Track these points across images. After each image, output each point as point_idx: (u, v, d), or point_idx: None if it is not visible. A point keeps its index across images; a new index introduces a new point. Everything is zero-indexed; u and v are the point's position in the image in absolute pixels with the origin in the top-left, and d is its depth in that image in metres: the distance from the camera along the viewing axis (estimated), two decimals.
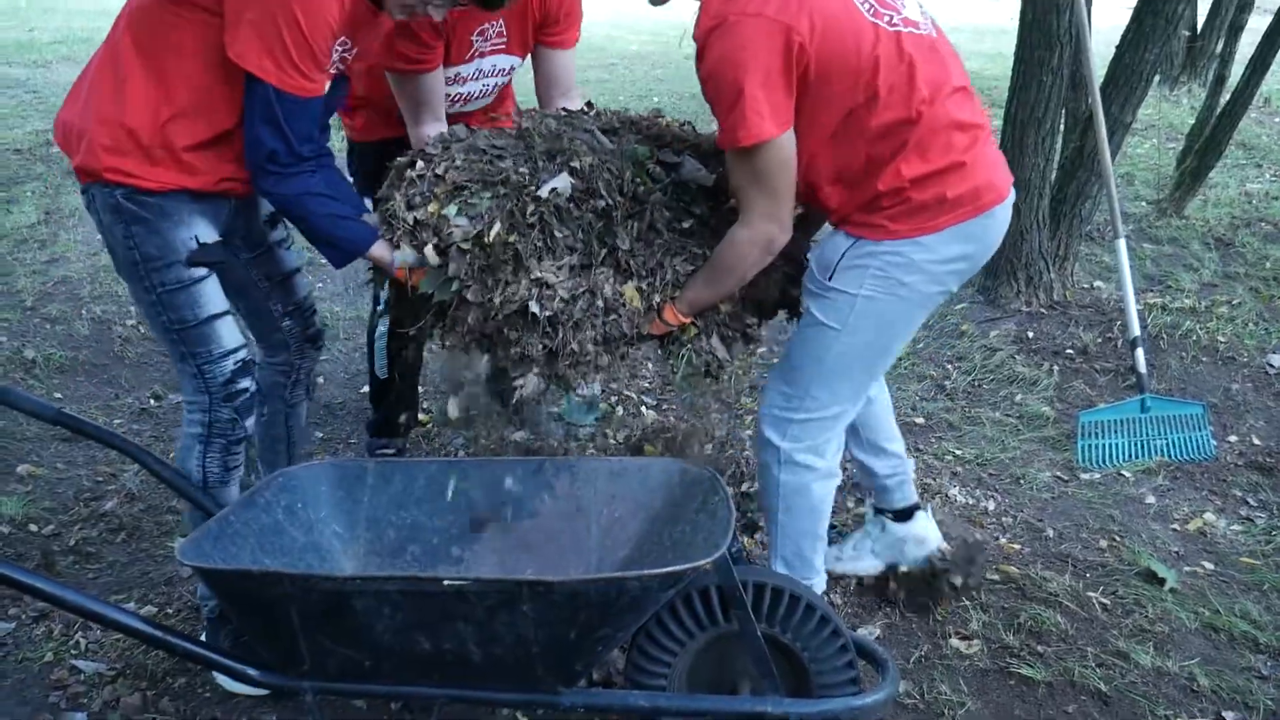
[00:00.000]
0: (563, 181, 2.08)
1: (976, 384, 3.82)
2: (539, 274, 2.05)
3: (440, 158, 2.18)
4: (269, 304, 2.35)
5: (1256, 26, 5.47)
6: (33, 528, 2.83)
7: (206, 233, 2.08)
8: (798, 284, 2.25)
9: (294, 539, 2.01)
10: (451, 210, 2.07)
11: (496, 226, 2.03)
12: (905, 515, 2.57)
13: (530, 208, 2.05)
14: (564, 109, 2.48)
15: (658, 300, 2.14)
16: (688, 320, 2.18)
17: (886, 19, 1.99)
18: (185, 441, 2.20)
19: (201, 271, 2.08)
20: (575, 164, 2.10)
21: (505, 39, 2.62)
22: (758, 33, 1.86)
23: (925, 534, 2.57)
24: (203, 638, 2.28)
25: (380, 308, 2.64)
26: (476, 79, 2.67)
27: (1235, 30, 6.70)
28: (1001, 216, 2.12)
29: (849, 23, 1.93)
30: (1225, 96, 5.39)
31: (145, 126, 1.96)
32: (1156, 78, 5.46)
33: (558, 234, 2.07)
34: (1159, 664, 2.39)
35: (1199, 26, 8.59)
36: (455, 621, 1.67)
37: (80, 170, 2.01)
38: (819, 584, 2.38)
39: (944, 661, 2.40)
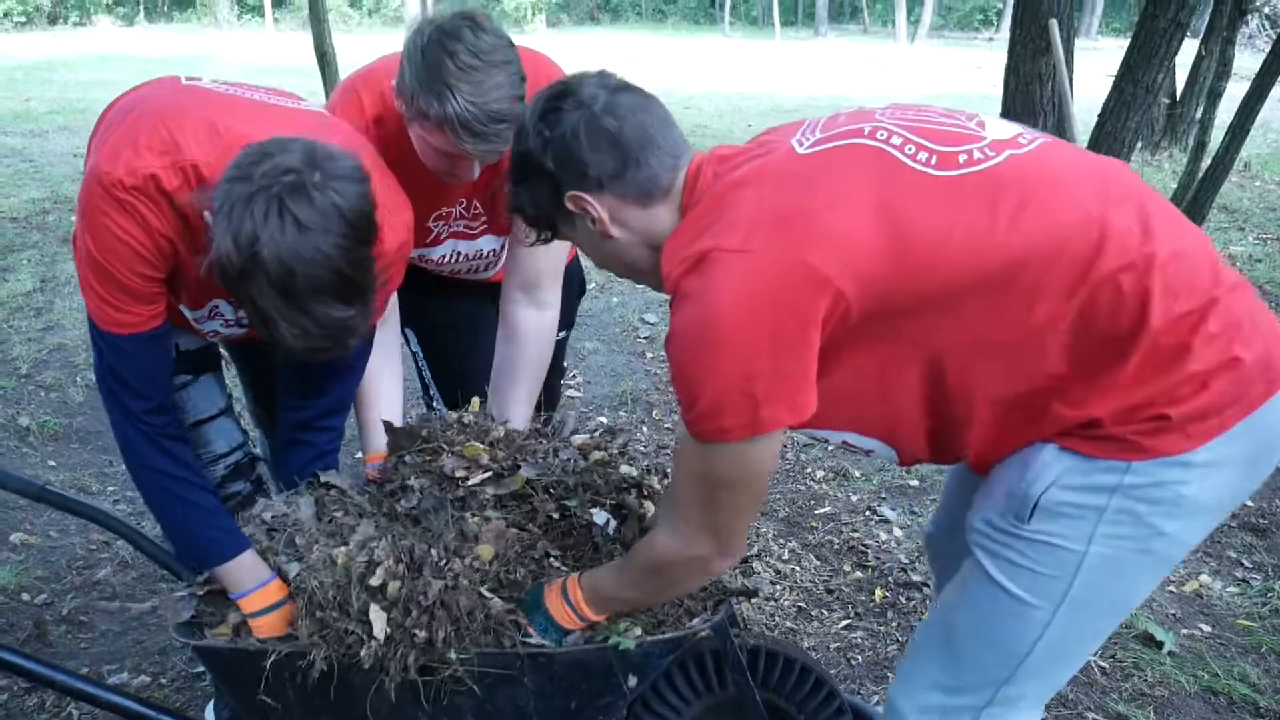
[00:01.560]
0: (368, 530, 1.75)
1: None
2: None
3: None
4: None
5: (1235, 93, 5.59)
6: (25, 596, 2.80)
7: (188, 340, 1.95)
8: None
9: None
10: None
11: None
12: None
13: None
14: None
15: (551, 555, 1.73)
16: (599, 618, 1.63)
17: (963, 158, 1.30)
18: None
19: (185, 378, 1.98)
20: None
21: (486, 222, 2.20)
22: (759, 280, 1.24)
23: None
24: (209, 708, 2.25)
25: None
26: (455, 261, 2.28)
27: (1214, 97, 6.85)
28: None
29: (901, 199, 1.26)
30: (1206, 161, 5.49)
31: None
32: (1138, 144, 5.58)
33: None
34: None
35: (1178, 94, 8.78)
36: (453, 695, 1.66)
37: None
38: None
39: None
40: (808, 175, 1.31)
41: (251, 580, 1.71)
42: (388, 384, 2.03)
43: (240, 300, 1.43)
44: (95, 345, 1.70)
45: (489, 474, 1.84)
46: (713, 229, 1.29)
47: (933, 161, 1.29)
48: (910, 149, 1.30)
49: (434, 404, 2.52)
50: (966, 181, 1.28)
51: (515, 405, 2.14)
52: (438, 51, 1.70)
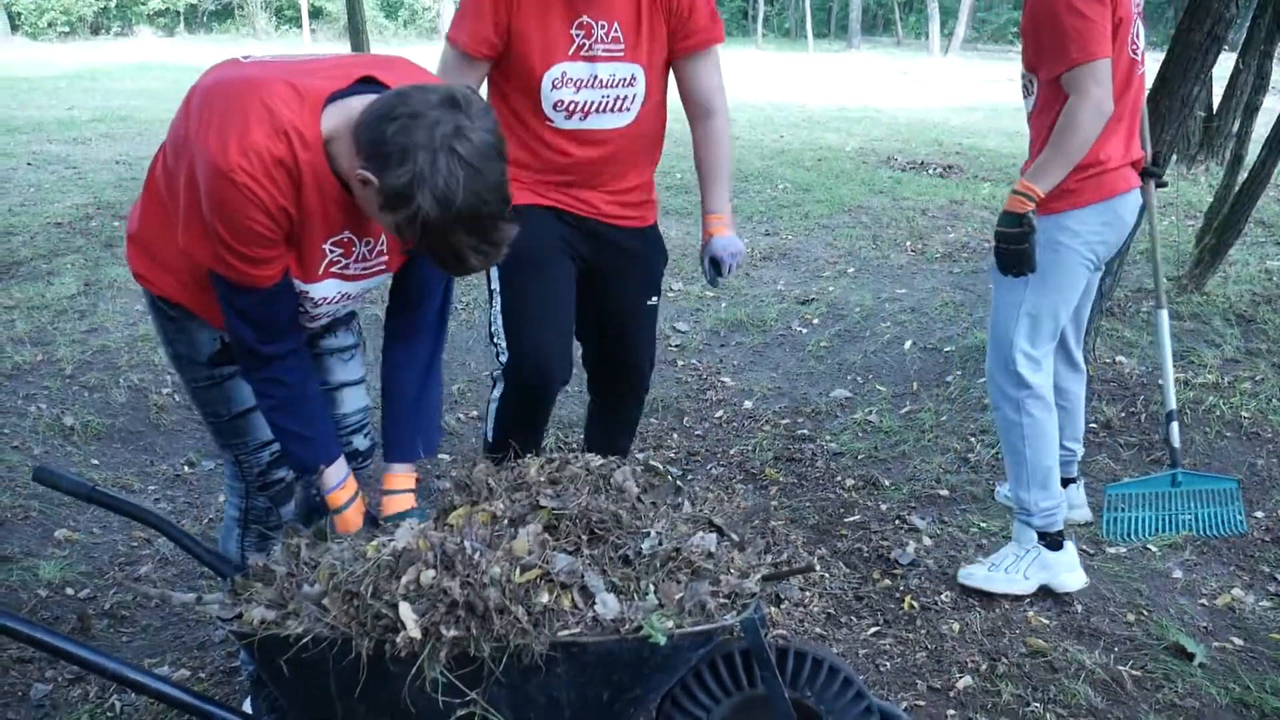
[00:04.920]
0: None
1: (1000, 457, 3.83)
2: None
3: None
4: None
5: (1271, 106, 5.56)
6: (69, 591, 2.87)
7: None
8: None
9: None
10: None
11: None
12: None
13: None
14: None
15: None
16: (1042, 194, 2.55)
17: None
18: (226, 522, 2.22)
19: (232, 368, 2.03)
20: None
21: (622, 45, 2.41)
22: None
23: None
24: (247, 702, 2.30)
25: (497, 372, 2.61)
26: (593, 87, 2.43)
27: (1251, 111, 6.80)
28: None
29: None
30: (1243, 175, 5.46)
31: (159, 248, 1.97)
32: (1174, 157, 5.55)
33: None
34: None
35: (1214, 107, 8.71)
36: (488, 685, 1.70)
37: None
38: None
39: None
40: None
41: (335, 478, 2.02)
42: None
43: (435, 245, 1.63)
44: (226, 301, 1.85)
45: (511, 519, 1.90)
46: None
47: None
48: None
49: (499, 354, 2.57)
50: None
51: (718, 190, 2.64)
52: None
